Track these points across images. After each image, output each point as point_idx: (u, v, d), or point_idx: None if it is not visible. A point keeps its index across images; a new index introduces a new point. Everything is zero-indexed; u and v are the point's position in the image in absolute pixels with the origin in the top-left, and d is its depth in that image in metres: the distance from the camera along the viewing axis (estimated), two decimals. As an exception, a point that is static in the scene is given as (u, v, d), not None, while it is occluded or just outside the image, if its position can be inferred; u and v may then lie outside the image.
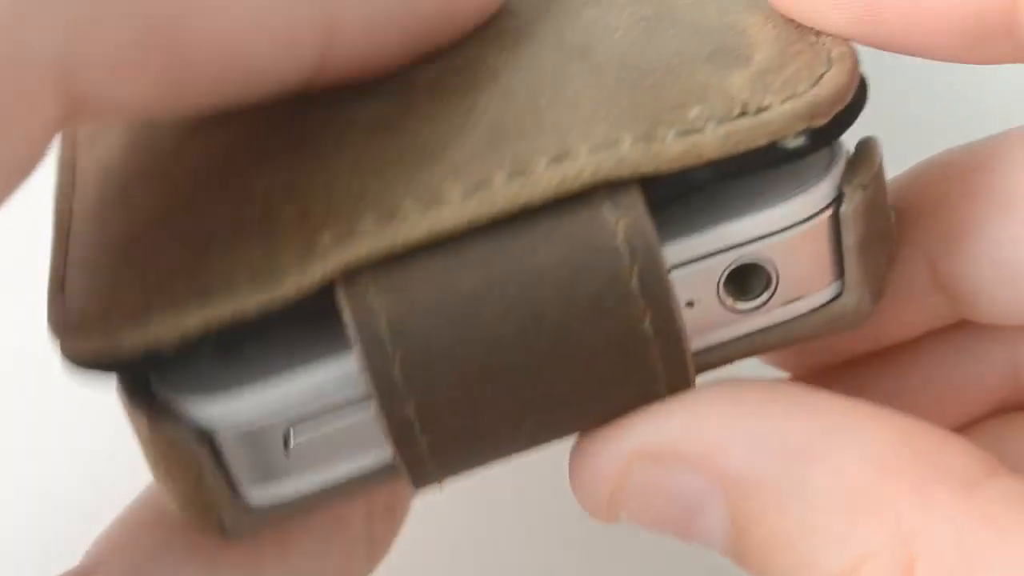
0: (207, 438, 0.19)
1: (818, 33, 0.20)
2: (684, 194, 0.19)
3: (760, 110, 0.19)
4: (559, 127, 0.19)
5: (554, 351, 0.18)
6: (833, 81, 0.19)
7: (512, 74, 0.21)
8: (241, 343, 0.19)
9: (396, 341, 0.18)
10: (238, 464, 0.19)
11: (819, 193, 0.20)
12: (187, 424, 0.19)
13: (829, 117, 0.19)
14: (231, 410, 0.19)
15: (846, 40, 0.20)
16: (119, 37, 0.18)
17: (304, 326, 0.19)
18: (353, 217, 0.19)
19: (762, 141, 0.19)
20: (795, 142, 0.19)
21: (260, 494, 0.19)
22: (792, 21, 0.21)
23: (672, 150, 0.19)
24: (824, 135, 0.19)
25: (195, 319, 0.18)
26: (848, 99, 0.19)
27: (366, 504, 0.22)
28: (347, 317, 0.18)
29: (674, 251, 0.19)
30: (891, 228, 0.21)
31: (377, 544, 0.22)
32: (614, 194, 0.18)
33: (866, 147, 0.20)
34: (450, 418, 0.19)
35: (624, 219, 0.18)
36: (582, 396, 0.19)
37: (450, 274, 0.18)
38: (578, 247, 0.18)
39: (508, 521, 0.29)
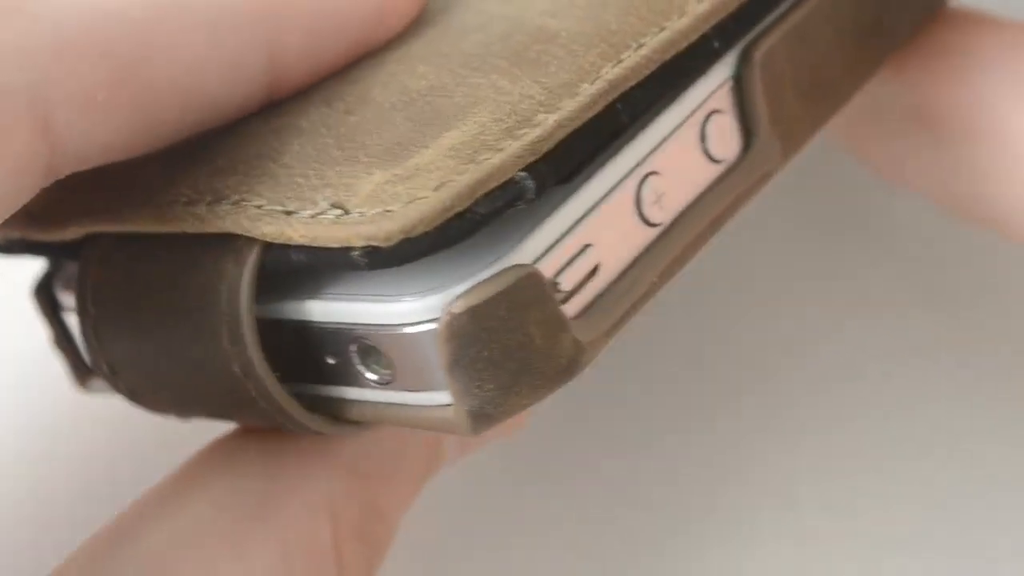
0: None
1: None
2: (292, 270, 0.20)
3: (347, 213, 0.19)
4: (298, 171, 0.20)
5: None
6: (418, 209, 0.19)
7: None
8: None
9: None
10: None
11: (422, 304, 0.19)
12: None
13: (392, 243, 0.19)
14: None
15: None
16: (89, 79, 0.20)
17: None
18: None
19: (334, 243, 0.19)
20: (359, 255, 0.19)
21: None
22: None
23: (291, 227, 0.20)
24: (383, 259, 0.19)
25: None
26: (418, 232, 0.19)
27: (332, 523, 0.22)
28: None
29: (314, 309, 0.20)
30: (529, 355, 0.19)
31: (347, 571, 0.22)
32: (241, 248, 0.20)
33: (500, 274, 0.19)
34: None
35: (234, 270, 0.20)
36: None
37: None
38: (207, 283, 0.20)
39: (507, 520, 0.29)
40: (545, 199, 0.20)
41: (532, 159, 0.19)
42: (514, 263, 0.19)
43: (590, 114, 0.20)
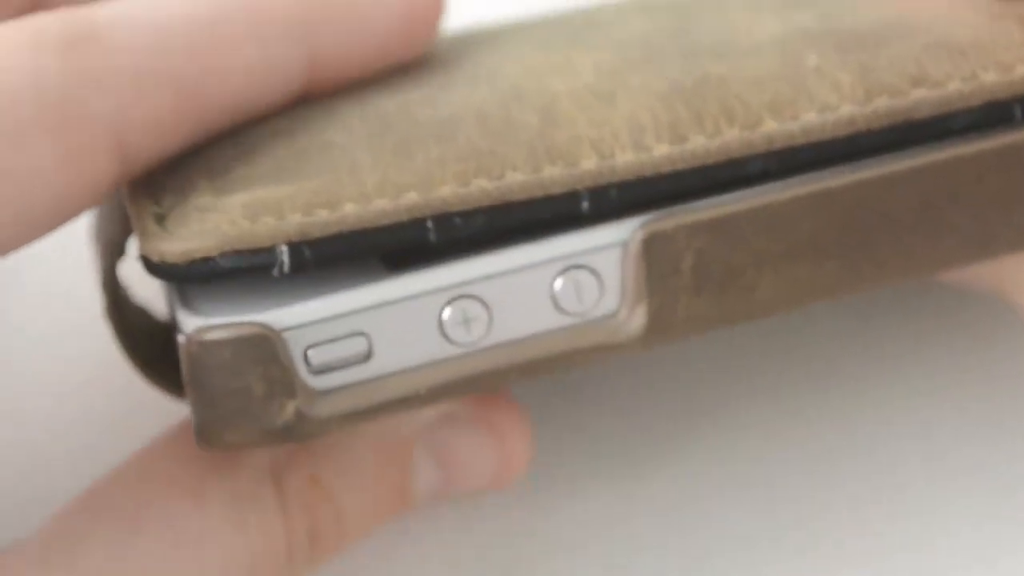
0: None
1: None
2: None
3: (160, 224, 0.22)
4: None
5: None
6: (174, 244, 0.21)
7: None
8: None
9: None
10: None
11: (188, 322, 0.21)
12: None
13: (156, 261, 0.21)
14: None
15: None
16: (159, 104, 0.22)
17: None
18: None
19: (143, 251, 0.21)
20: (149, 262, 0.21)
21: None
22: None
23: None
24: (160, 272, 0.21)
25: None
26: (171, 261, 0.21)
27: (275, 485, 0.23)
28: None
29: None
30: (247, 403, 0.21)
31: (293, 537, 0.24)
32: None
33: (239, 324, 0.21)
34: None
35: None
36: None
37: None
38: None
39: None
40: (348, 279, 0.21)
41: (298, 240, 0.21)
42: (260, 320, 0.21)
43: (384, 220, 0.21)
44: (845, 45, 0.23)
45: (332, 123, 0.23)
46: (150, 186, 0.22)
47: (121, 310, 0.25)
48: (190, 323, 0.21)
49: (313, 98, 0.24)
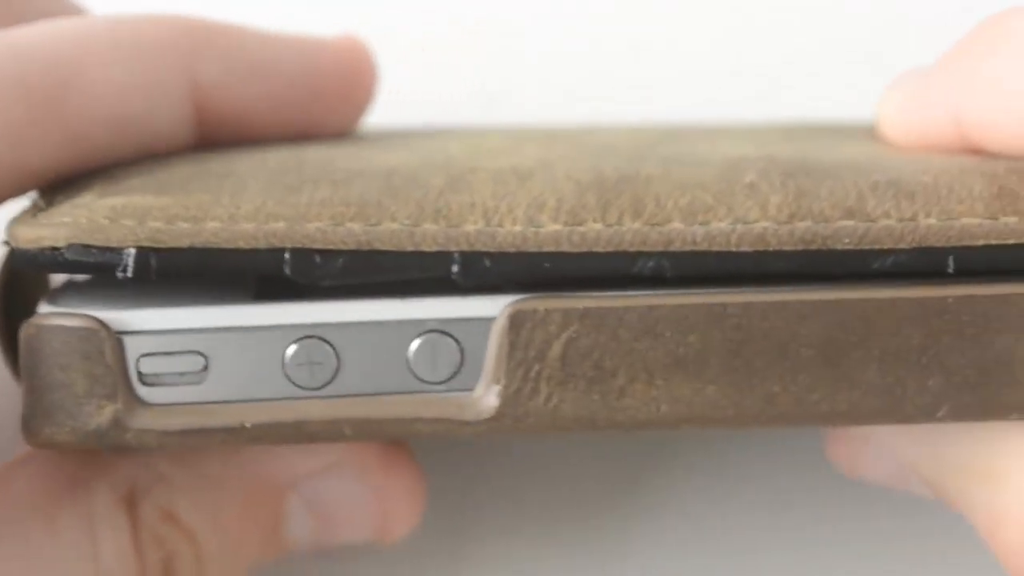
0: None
1: None
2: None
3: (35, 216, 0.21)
4: None
5: None
6: (38, 230, 0.21)
7: None
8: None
9: None
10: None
11: (42, 308, 0.21)
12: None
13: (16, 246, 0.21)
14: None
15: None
16: (9, 117, 0.22)
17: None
18: None
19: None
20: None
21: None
22: None
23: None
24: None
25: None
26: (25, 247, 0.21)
27: (129, 512, 0.23)
28: None
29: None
30: (67, 397, 0.21)
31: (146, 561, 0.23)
32: None
33: (72, 315, 0.21)
34: None
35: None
36: None
37: None
38: None
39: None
40: (207, 299, 0.21)
41: (148, 245, 0.20)
42: (98, 316, 0.21)
43: (241, 244, 0.20)
44: (794, 172, 0.22)
45: (250, 159, 0.23)
46: (53, 189, 0.22)
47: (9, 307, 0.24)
48: (39, 309, 0.21)
49: (229, 137, 0.25)
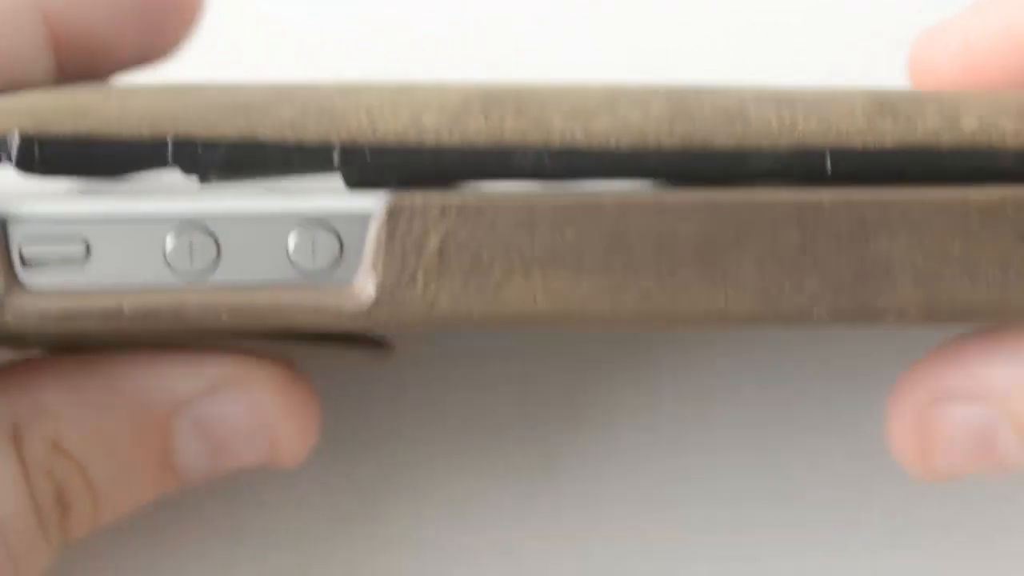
0: None
1: None
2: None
3: None
4: None
5: None
6: None
7: None
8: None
9: None
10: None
11: None
12: None
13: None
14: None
15: None
16: None
17: None
18: None
19: None
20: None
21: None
22: None
23: None
24: None
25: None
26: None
27: (15, 445, 0.23)
28: None
29: None
30: None
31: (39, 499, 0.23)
32: None
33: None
34: None
35: None
36: None
37: None
38: None
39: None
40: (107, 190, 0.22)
41: (33, 133, 0.21)
42: None
43: (124, 134, 0.21)
44: (682, 91, 0.22)
45: (135, 87, 0.23)
46: None
47: None
48: None
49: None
